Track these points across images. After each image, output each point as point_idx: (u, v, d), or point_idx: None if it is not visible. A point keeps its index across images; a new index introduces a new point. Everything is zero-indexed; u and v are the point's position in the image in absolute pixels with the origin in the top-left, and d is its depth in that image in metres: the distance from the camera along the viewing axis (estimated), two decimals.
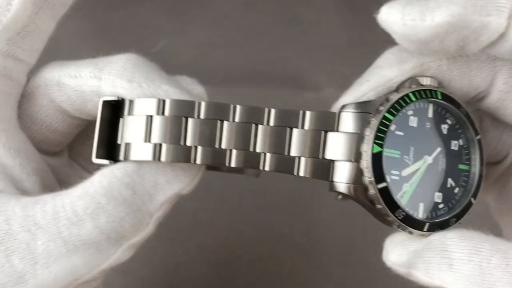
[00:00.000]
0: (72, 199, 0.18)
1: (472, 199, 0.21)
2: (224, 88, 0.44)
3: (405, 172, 0.20)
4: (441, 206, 0.21)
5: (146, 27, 0.50)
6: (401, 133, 0.20)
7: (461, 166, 0.21)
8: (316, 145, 0.20)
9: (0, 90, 0.20)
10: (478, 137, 0.21)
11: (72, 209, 0.18)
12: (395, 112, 0.20)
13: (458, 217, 0.21)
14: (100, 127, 0.20)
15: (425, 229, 0.20)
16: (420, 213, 0.21)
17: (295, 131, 0.20)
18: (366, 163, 0.20)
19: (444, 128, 0.21)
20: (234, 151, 0.20)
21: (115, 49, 0.52)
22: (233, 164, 0.20)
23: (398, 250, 0.20)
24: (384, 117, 0.20)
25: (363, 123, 0.20)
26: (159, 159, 0.19)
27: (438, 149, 0.21)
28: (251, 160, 0.20)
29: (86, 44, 0.48)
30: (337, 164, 0.20)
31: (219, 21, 0.50)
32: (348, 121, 0.20)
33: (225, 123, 0.20)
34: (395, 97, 0.20)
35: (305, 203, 0.31)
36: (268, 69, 0.46)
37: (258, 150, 0.20)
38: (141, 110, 0.20)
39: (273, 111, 0.20)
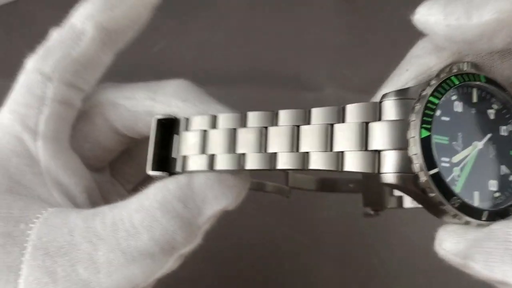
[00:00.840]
0: (129, 212, 0.19)
1: None
2: (224, 88, 0.44)
3: (456, 158, 0.19)
4: (497, 194, 0.20)
5: (146, 27, 0.49)
6: (447, 119, 0.20)
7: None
8: (359, 138, 0.19)
9: (61, 116, 0.22)
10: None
11: (130, 221, 0.19)
12: (439, 96, 0.19)
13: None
14: (154, 143, 0.22)
15: (484, 217, 0.19)
16: (476, 202, 0.19)
17: (337, 127, 0.20)
18: (414, 149, 0.18)
19: (491, 113, 0.21)
20: (279, 154, 0.20)
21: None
22: (279, 166, 0.20)
23: (454, 239, 0.18)
24: (429, 101, 0.19)
25: (406, 110, 0.19)
26: (213, 168, 0.21)
27: (488, 135, 0.20)
28: (296, 160, 0.20)
29: None
30: (383, 155, 0.19)
31: (219, 21, 0.50)
32: (390, 109, 0.19)
33: (270, 129, 0.21)
34: (437, 81, 0.19)
35: (305, 203, 0.31)
36: (268, 69, 0.46)
37: (302, 150, 0.20)
38: (197, 126, 0.22)
39: (313, 110, 0.20)
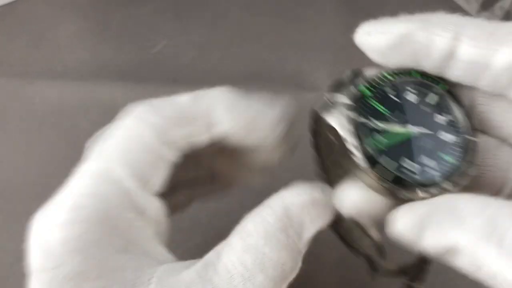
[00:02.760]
0: (238, 255, 0.19)
1: (468, 165, 0.21)
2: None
3: (388, 127, 0.21)
4: (436, 174, 0.21)
5: (146, 27, 0.50)
6: (395, 99, 0.21)
7: (449, 137, 0.21)
8: None
9: (168, 173, 0.22)
10: (463, 109, 0.21)
11: (242, 264, 0.18)
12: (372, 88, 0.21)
13: (457, 183, 0.20)
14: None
15: (425, 191, 0.20)
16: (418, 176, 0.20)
17: None
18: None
19: (429, 104, 0.22)
20: None
21: (115, 49, 0.52)
22: None
23: (405, 217, 0.19)
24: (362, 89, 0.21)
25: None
26: None
27: (423, 123, 0.21)
28: None
29: (86, 44, 0.48)
30: None
31: (219, 21, 0.50)
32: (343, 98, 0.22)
33: None
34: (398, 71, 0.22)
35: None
36: (268, 69, 0.46)
37: None
38: None
39: None
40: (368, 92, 0.21)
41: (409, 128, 0.21)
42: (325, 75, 0.45)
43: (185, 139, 0.21)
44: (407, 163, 0.20)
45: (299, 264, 0.19)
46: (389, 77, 0.21)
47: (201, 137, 0.22)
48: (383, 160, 0.20)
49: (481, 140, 0.22)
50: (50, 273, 0.18)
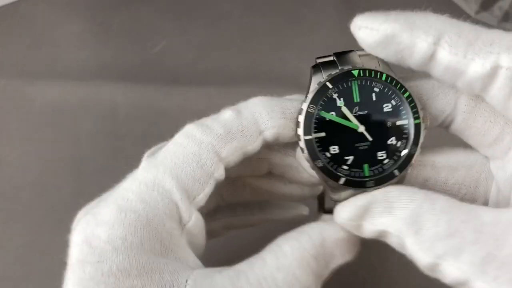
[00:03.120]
0: (271, 271, 0.20)
1: (413, 148, 0.23)
2: (224, 88, 0.44)
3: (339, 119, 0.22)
4: (386, 161, 0.23)
5: (146, 27, 0.50)
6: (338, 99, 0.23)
7: (399, 122, 0.23)
8: None
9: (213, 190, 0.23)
10: (407, 93, 0.22)
11: (273, 280, 0.20)
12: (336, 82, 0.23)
13: (401, 168, 0.23)
14: None
15: (368, 185, 0.22)
16: (366, 172, 0.23)
17: None
18: (300, 117, 0.23)
19: (374, 95, 0.23)
20: None
21: (116, 49, 0.52)
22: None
23: (348, 207, 0.22)
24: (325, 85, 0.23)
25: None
26: None
27: (369, 114, 0.23)
28: None
29: (86, 45, 0.48)
30: None
31: (219, 21, 0.50)
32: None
33: None
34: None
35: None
36: (268, 69, 0.46)
37: None
38: None
39: None
40: (329, 85, 0.22)
41: (355, 119, 0.23)
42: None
43: (238, 151, 0.23)
44: (341, 154, 0.23)
45: None
46: (355, 74, 0.22)
47: (254, 145, 0.23)
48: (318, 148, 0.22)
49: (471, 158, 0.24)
50: (93, 266, 0.20)
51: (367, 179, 0.22)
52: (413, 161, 0.23)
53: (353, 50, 0.23)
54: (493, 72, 0.20)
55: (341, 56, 0.23)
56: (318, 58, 0.23)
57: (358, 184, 0.22)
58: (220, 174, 0.23)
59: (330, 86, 0.22)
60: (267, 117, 0.23)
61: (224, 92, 0.43)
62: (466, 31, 0.21)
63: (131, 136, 0.41)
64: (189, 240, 0.22)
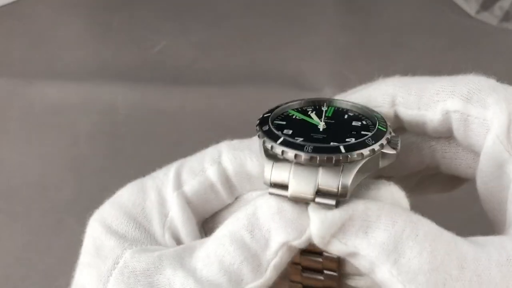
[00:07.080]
0: (206, 243, 0.20)
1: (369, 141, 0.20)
2: (224, 88, 0.44)
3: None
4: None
5: (146, 27, 0.50)
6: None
7: (363, 131, 0.21)
8: None
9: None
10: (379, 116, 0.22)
11: (206, 251, 0.20)
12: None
13: (376, 138, 0.20)
14: None
15: (305, 150, 0.19)
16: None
17: None
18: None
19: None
20: None
21: (116, 49, 0.52)
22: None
23: (316, 222, 0.19)
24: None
25: None
26: None
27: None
28: None
29: (86, 44, 0.48)
30: None
31: (219, 21, 0.50)
32: None
33: None
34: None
35: None
36: (268, 69, 0.46)
37: None
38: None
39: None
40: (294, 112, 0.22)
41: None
42: (325, 75, 0.45)
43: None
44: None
45: (266, 275, 0.19)
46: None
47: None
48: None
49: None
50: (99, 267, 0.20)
51: (307, 144, 0.20)
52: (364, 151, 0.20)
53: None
54: (446, 118, 0.21)
55: None
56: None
57: (296, 146, 0.19)
58: (219, 176, 0.22)
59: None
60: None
61: (224, 92, 0.43)
62: (414, 87, 0.22)
63: (131, 136, 0.41)
64: (172, 227, 0.22)
